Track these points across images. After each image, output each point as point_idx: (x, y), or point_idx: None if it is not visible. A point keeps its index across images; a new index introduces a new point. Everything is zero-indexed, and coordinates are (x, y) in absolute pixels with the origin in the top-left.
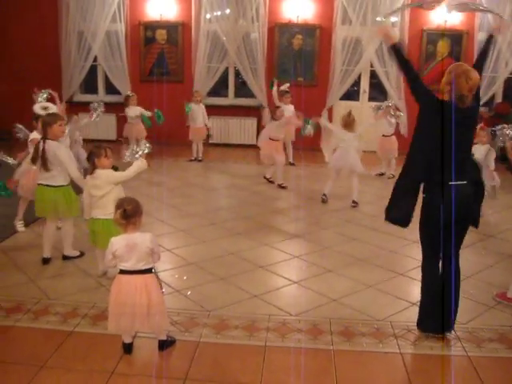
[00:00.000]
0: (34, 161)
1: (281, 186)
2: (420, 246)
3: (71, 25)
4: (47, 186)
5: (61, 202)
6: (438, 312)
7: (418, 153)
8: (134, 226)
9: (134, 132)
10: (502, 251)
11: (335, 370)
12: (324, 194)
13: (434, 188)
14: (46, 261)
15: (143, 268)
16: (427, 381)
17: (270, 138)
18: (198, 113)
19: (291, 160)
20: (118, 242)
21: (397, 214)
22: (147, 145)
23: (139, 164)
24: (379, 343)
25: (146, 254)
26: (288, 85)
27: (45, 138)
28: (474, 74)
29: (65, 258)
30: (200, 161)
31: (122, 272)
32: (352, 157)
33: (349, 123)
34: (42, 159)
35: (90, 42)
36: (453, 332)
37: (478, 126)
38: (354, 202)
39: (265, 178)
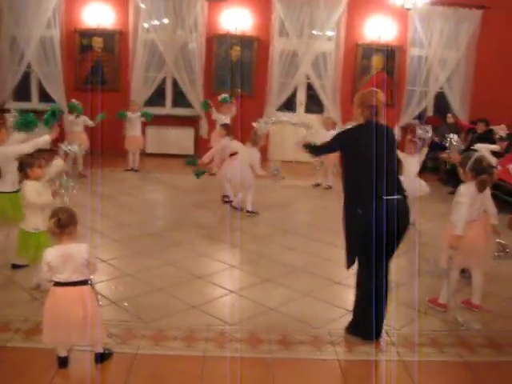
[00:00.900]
0: None
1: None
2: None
3: (4, 29)
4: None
5: (9, 209)
6: (370, 320)
7: (349, 176)
8: (69, 237)
9: (77, 142)
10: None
11: (273, 379)
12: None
13: (367, 203)
14: None
15: (78, 280)
16: None
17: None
18: (134, 122)
19: None
20: (52, 252)
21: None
22: (71, 183)
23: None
24: (317, 351)
25: (82, 265)
26: (226, 95)
27: None
28: (378, 91)
29: (14, 266)
30: (136, 171)
31: (57, 284)
32: (244, 171)
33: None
34: None
35: (23, 48)
36: (383, 336)
37: (407, 138)
38: (248, 211)
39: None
